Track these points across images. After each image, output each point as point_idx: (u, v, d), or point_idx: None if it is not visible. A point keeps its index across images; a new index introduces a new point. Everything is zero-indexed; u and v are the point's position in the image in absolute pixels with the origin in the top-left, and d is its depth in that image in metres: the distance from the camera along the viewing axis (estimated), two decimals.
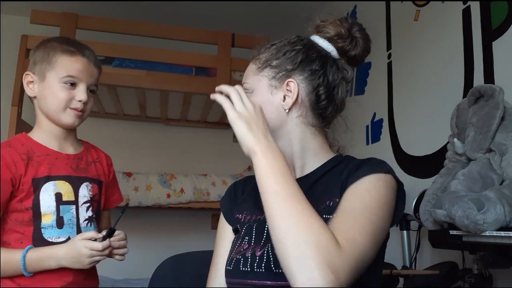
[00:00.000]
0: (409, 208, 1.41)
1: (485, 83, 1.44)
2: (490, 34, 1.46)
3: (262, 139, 0.71)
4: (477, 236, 1.04)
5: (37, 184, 1.08)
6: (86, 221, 1.13)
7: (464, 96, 1.49)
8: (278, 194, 0.67)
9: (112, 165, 1.30)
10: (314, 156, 0.88)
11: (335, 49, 0.90)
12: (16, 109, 2.24)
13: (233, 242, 0.88)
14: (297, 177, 0.88)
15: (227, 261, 0.85)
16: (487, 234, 1.01)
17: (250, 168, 3.08)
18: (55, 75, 1.11)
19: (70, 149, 1.18)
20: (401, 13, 2.02)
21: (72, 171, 1.15)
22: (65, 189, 1.12)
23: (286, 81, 0.86)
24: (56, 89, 1.11)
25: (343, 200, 0.73)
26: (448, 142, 1.35)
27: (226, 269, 0.84)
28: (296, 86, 0.85)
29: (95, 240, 1.03)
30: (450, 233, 1.12)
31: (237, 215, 0.91)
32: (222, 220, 0.95)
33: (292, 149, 0.87)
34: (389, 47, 2.09)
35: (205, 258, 0.97)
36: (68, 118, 1.13)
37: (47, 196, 1.08)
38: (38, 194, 1.07)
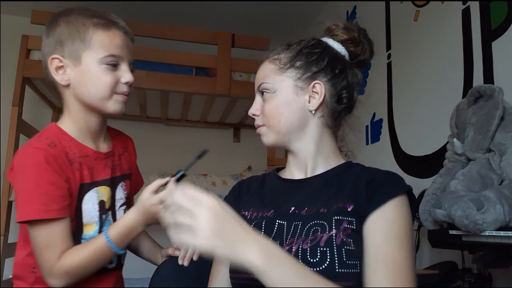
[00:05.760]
0: None
1: (484, 83, 1.44)
2: (490, 35, 1.46)
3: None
4: (477, 236, 1.04)
5: (81, 192, 0.94)
6: None
7: (464, 96, 1.49)
8: None
9: (134, 148, 1.16)
10: (325, 159, 0.89)
11: (347, 53, 0.91)
12: (16, 109, 2.24)
13: None
14: (308, 176, 0.88)
15: None
16: (487, 234, 1.01)
17: (250, 168, 3.09)
18: (93, 56, 0.94)
19: (103, 145, 1.04)
20: (400, 14, 2.03)
21: (110, 172, 1.01)
22: (107, 195, 1.00)
23: (312, 83, 0.86)
24: (98, 73, 0.94)
25: (374, 235, 0.74)
26: (447, 142, 1.35)
27: (231, 265, 0.84)
28: (323, 88, 0.86)
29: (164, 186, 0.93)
30: (450, 232, 1.12)
31: (243, 212, 0.91)
32: None
33: (309, 149, 0.88)
34: (388, 47, 2.09)
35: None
36: (116, 105, 0.99)
37: (90, 205, 0.96)
38: (80, 203, 0.95)
